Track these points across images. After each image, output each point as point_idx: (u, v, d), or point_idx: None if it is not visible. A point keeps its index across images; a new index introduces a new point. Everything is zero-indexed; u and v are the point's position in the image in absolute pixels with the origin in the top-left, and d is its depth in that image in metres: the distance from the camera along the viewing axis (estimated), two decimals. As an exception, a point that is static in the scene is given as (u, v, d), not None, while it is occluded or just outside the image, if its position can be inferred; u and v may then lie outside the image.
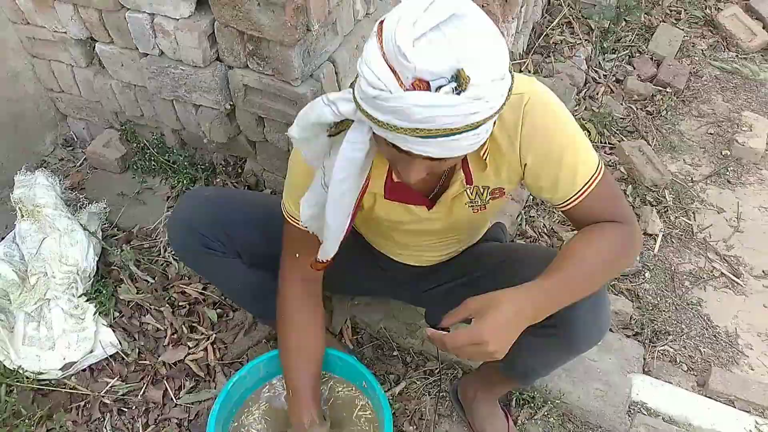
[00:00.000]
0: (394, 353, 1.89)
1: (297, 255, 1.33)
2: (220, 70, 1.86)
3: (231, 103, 1.92)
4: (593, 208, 1.15)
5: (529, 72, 2.86)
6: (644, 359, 1.91)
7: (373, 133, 0.98)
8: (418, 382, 1.82)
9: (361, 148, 1.02)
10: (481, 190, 1.22)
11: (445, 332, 1.10)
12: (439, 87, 0.84)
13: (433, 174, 1.05)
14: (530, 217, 2.35)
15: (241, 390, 1.52)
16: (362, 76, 0.89)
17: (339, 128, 1.03)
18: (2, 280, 1.88)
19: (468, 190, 1.21)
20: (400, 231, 1.37)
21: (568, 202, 1.15)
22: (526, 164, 1.15)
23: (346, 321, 1.93)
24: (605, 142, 2.71)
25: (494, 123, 0.96)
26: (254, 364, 1.51)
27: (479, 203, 1.25)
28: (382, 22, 0.89)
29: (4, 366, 1.79)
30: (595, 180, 1.13)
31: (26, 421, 1.71)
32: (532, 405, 1.76)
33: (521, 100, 1.09)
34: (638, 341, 1.96)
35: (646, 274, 2.23)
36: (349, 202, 1.10)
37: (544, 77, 2.82)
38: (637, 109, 2.90)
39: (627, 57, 3.15)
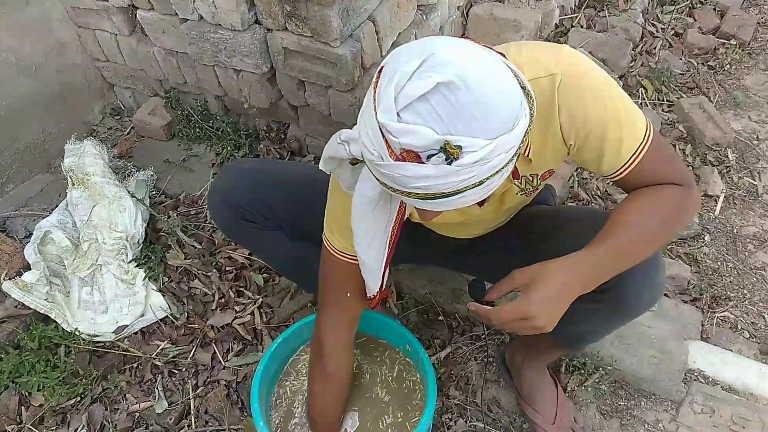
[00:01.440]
0: (440, 318, 1.86)
1: (348, 294, 1.27)
2: (259, 33, 1.84)
3: (271, 66, 1.90)
4: (644, 176, 1.08)
5: (582, 27, 2.72)
6: (702, 326, 1.83)
7: None
8: (464, 348, 1.79)
9: (374, 186, 0.97)
10: (530, 178, 1.16)
11: (490, 306, 1.06)
12: (429, 157, 0.77)
13: None
14: (583, 179, 2.26)
15: (287, 352, 1.53)
16: (360, 133, 0.84)
17: (358, 159, 0.95)
18: (57, 247, 1.94)
19: (517, 182, 1.16)
20: (451, 225, 1.34)
21: (616, 173, 1.08)
22: (571, 144, 1.07)
23: (391, 286, 1.91)
24: (663, 100, 2.57)
25: (511, 166, 0.87)
26: (297, 327, 1.51)
27: (530, 189, 1.19)
28: (381, 69, 0.82)
29: (62, 329, 1.86)
30: (642, 150, 1.05)
31: (83, 380, 1.77)
32: (583, 371, 1.71)
33: (553, 82, 1.00)
34: (696, 307, 1.87)
35: (706, 238, 2.12)
36: (379, 237, 1.07)
37: (598, 32, 2.68)
38: (697, 63, 2.73)
39: (687, 8, 2.96)
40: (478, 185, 0.82)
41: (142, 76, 2.33)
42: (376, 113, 0.78)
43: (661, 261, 1.17)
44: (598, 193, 2.20)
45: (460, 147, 0.76)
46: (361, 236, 1.07)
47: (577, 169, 2.26)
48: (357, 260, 1.17)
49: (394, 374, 1.53)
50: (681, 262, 2.01)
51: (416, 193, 0.82)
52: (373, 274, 1.15)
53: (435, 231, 1.47)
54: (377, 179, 0.86)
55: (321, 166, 1.04)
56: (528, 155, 1.07)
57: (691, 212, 1.12)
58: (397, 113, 0.77)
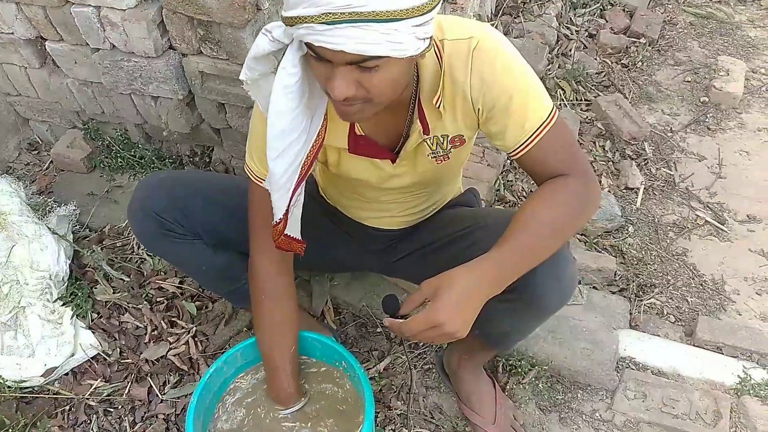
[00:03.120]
0: (378, 330, 1.87)
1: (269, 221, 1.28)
2: (174, 58, 1.81)
3: (189, 91, 1.87)
4: (546, 157, 1.11)
5: (499, 34, 2.80)
6: (631, 314, 1.90)
7: (303, 59, 0.98)
8: (403, 357, 1.80)
9: (294, 73, 0.99)
10: (441, 139, 1.19)
11: (402, 320, 1.08)
12: None
13: (371, 101, 0.98)
14: (508, 181, 2.31)
15: (221, 380, 1.50)
16: None
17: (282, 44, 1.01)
18: (-26, 292, 1.85)
19: (428, 141, 1.18)
20: (368, 186, 1.34)
21: (518, 149, 1.12)
22: (479, 109, 1.12)
23: (327, 302, 1.90)
24: (581, 99, 2.67)
25: (424, 49, 0.93)
26: (231, 354, 1.48)
27: (441, 153, 1.21)
28: None
29: (-15, 377, 1.77)
30: (546, 126, 1.10)
31: (11, 430, 1.69)
32: (519, 370, 1.75)
33: (469, 45, 1.06)
34: (624, 297, 1.94)
35: (630, 229, 2.20)
36: (293, 150, 1.07)
37: (515, 38, 2.77)
38: (611, 62, 2.85)
39: (599, 10, 3.10)
40: (383, 19, 0.85)
41: (57, 109, 2.26)
42: None
43: (567, 257, 1.20)
44: (524, 194, 2.26)
45: None
46: (274, 139, 1.05)
47: (502, 172, 2.32)
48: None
49: (332, 392, 1.52)
50: (607, 254, 2.08)
51: (327, 14, 0.84)
52: (281, 191, 1.12)
53: (358, 221, 1.49)
54: (291, 22, 0.89)
55: (241, 76, 1.07)
56: (438, 106, 1.11)
57: (592, 204, 1.15)
58: None
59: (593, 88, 2.72)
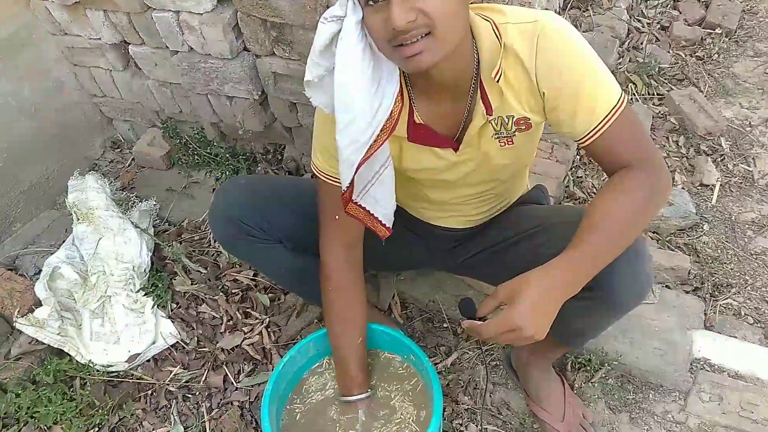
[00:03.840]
0: (444, 325, 1.88)
1: (337, 216, 1.32)
2: (248, 60, 1.88)
3: (262, 91, 1.94)
4: (615, 144, 1.10)
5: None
6: (705, 314, 1.84)
7: (362, 27, 1.00)
8: (470, 353, 1.81)
9: (353, 42, 1.01)
10: (506, 120, 1.17)
11: (481, 322, 1.09)
12: None
13: (426, 23, 0.97)
14: (577, 177, 2.28)
15: (294, 369, 1.55)
16: None
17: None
18: (66, 281, 1.98)
19: (492, 122, 1.18)
20: (434, 186, 1.35)
21: (587, 136, 1.10)
22: (544, 93, 1.11)
23: (394, 297, 1.93)
24: (653, 94, 2.60)
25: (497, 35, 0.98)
26: (303, 344, 1.53)
27: (505, 134, 1.20)
28: None
29: (77, 361, 1.89)
30: (616, 112, 1.08)
31: (100, 411, 1.80)
32: (589, 368, 1.73)
33: (534, 28, 1.06)
34: (698, 296, 1.89)
35: (705, 227, 2.13)
36: (358, 124, 1.08)
37: (584, 32, 2.71)
38: (685, 55, 2.76)
39: (671, 1, 2.99)
40: None
41: (138, 109, 2.38)
42: None
43: (644, 252, 1.18)
44: (594, 191, 2.22)
45: None
46: (338, 112, 1.07)
47: (571, 168, 2.29)
48: (335, 182, 1.24)
49: (400, 385, 1.55)
50: (680, 252, 2.02)
51: None
52: (345, 164, 1.13)
53: (427, 222, 1.50)
54: None
55: (307, 77, 1.10)
56: (497, 80, 1.10)
57: (663, 194, 1.12)
58: None
59: (666, 82, 2.64)
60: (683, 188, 2.24)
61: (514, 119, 1.17)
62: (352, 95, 1.06)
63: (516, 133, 1.20)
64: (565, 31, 1.08)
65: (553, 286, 1.03)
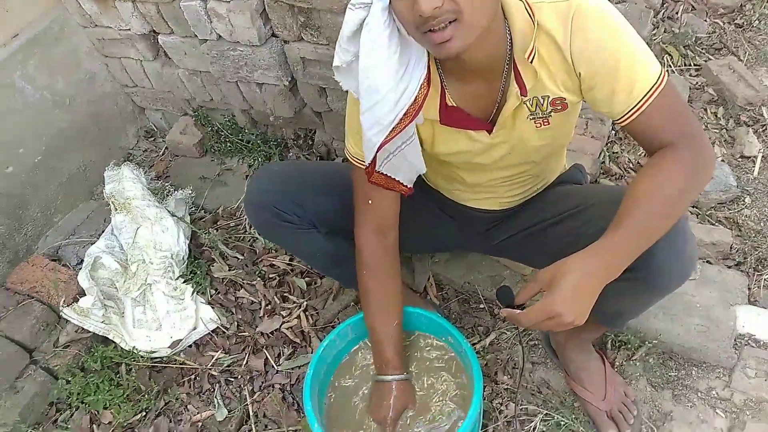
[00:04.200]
0: (481, 306, 1.88)
1: (370, 201, 1.33)
2: (277, 46, 1.88)
3: (291, 77, 1.94)
4: (655, 123, 1.07)
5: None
6: (749, 289, 1.80)
7: (389, 13, 1.00)
8: (508, 333, 1.81)
9: (378, 29, 1.01)
10: (541, 101, 1.15)
11: (519, 311, 1.08)
12: None
13: (462, 24, 0.96)
14: (613, 153, 2.24)
15: (334, 353, 1.57)
16: None
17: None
18: (107, 271, 2.03)
19: (527, 103, 1.15)
20: (468, 169, 1.34)
21: (626, 115, 1.08)
22: (580, 73, 1.08)
23: (429, 279, 1.93)
24: (690, 64, 2.52)
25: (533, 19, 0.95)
26: (342, 327, 1.55)
27: (541, 115, 1.18)
28: None
29: (121, 348, 1.94)
30: (656, 90, 1.05)
31: (146, 396, 1.85)
32: (629, 346, 1.71)
33: (569, 7, 1.04)
34: (741, 271, 1.85)
35: (746, 200, 2.08)
36: (383, 108, 1.08)
37: (617, 4, 2.64)
38: (723, 23, 2.67)
39: (707, -34, 2.89)
40: None
41: (170, 98, 2.40)
42: None
43: (686, 231, 1.15)
44: (630, 165, 2.18)
45: None
46: (363, 95, 1.09)
47: (607, 144, 2.24)
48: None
49: (438, 366, 1.55)
50: (722, 227, 1.98)
51: None
52: (367, 144, 1.16)
53: (461, 203, 1.49)
54: None
55: (336, 62, 1.11)
56: (531, 60, 1.08)
57: (706, 172, 1.09)
58: None
59: (703, 51, 2.56)
60: (723, 160, 2.19)
61: (550, 99, 1.15)
62: (377, 79, 1.06)
63: (552, 113, 1.17)
64: (601, 8, 1.04)
65: (593, 271, 1.02)
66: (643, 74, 1.05)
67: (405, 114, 1.11)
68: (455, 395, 1.47)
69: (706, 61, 2.50)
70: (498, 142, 1.23)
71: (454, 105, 1.18)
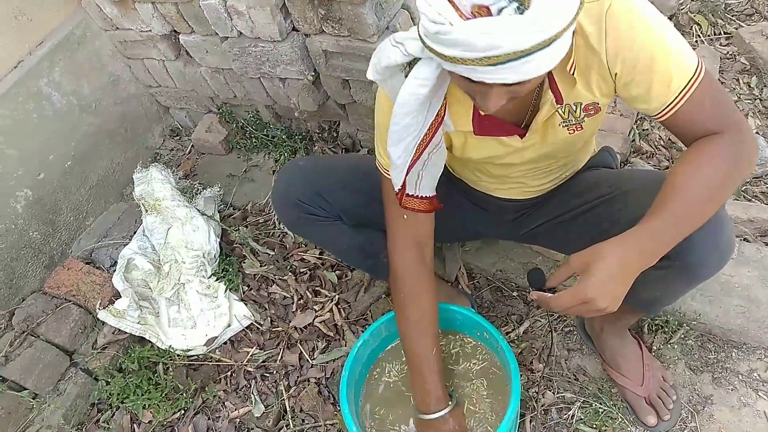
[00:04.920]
0: (514, 294, 1.87)
1: (405, 216, 1.31)
2: (298, 40, 1.86)
3: (314, 71, 1.93)
4: (695, 116, 1.04)
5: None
6: (789, 266, 1.76)
7: (443, 69, 0.97)
8: (542, 320, 1.80)
9: (426, 85, 1.01)
10: (574, 108, 1.14)
11: (551, 294, 1.07)
12: (501, 10, 0.81)
13: (517, 98, 0.98)
14: (644, 131, 2.19)
15: (368, 352, 1.57)
16: (422, 13, 0.87)
17: (412, 66, 1.02)
18: (141, 272, 2.06)
19: (560, 110, 1.14)
20: (495, 165, 1.33)
21: (665, 110, 1.05)
22: (616, 74, 1.06)
23: (460, 268, 1.92)
24: (720, 33, 2.45)
25: (573, 36, 0.90)
26: (375, 327, 1.55)
27: (574, 122, 1.17)
28: None
29: (158, 348, 1.98)
30: (693, 84, 1.02)
31: (184, 394, 1.88)
32: (666, 329, 1.68)
33: (601, 7, 1.01)
34: (780, 248, 1.80)
35: (784, 173, 2.02)
36: (410, 138, 1.11)
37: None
38: (754, -12, 2.57)
39: (736, -70, 2.78)
40: (545, 46, 0.83)
41: (194, 96, 2.41)
42: None
43: (725, 218, 1.12)
44: (661, 143, 2.13)
45: None
46: (395, 133, 1.11)
47: (636, 121, 2.19)
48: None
49: (476, 364, 1.55)
50: (759, 202, 1.93)
51: (486, 58, 0.84)
52: (397, 170, 1.19)
53: (488, 194, 1.47)
54: (443, 57, 0.88)
55: (369, 75, 1.10)
56: (572, 73, 1.07)
57: (749, 161, 1.06)
58: None
59: (733, 19, 2.48)
60: (758, 132, 2.12)
61: (583, 105, 1.14)
62: (412, 119, 1.08)
63: (585, 119, 1.16)
64: (633, 4, 1.01)
65: (629, 258, 0.99)
66: (680, 68, 1.02)
67: (425, 134, 1.13)
68: (491, 395, 1.47)
69: (736, 28, 2.42)
70: (528, 145, 1.23)
71: (487, 114, 1.16)
